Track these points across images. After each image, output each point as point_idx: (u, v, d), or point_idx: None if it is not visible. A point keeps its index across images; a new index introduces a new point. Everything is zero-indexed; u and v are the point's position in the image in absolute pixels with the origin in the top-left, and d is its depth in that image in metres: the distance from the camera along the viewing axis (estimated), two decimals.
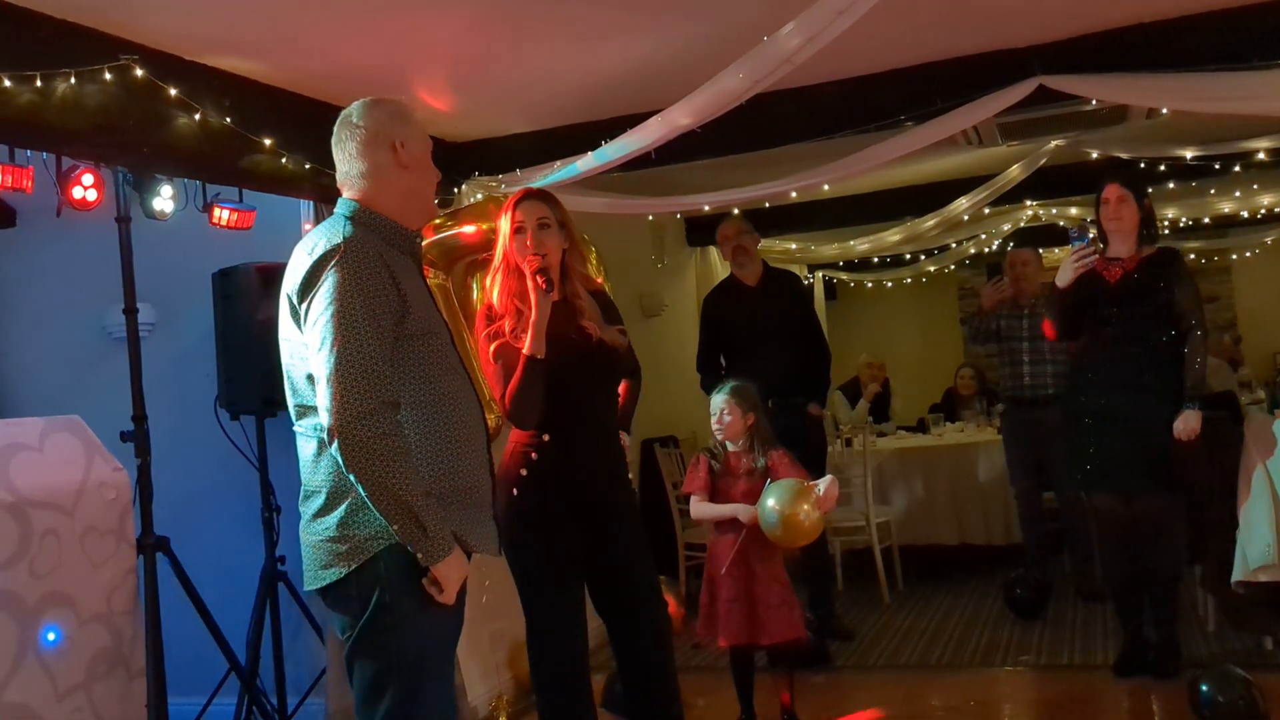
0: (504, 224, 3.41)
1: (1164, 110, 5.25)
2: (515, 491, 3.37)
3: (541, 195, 3.46)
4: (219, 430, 4.54)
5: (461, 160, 5.19)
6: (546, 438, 3.38)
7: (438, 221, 4.67)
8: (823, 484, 3.92)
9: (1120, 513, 4.55)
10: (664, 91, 4.25)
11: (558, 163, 4.78)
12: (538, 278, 3.26)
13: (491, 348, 3.36)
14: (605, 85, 4.67)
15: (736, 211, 6.18)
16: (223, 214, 4.46)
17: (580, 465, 3.41)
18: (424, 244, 2.86)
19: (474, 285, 5.05)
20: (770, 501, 3.88)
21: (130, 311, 4.19)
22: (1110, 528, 4.63)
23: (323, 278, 2.36)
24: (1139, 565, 4.55)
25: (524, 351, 3.27)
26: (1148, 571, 4.54)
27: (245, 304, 4.49)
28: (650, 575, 3.55)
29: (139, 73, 3.49)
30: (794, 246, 9.16)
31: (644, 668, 3.49)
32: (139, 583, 3.63)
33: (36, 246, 5.38)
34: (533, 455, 3.39)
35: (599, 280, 3.86)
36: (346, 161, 2.57)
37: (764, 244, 9.31)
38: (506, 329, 3.36)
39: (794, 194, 6.03)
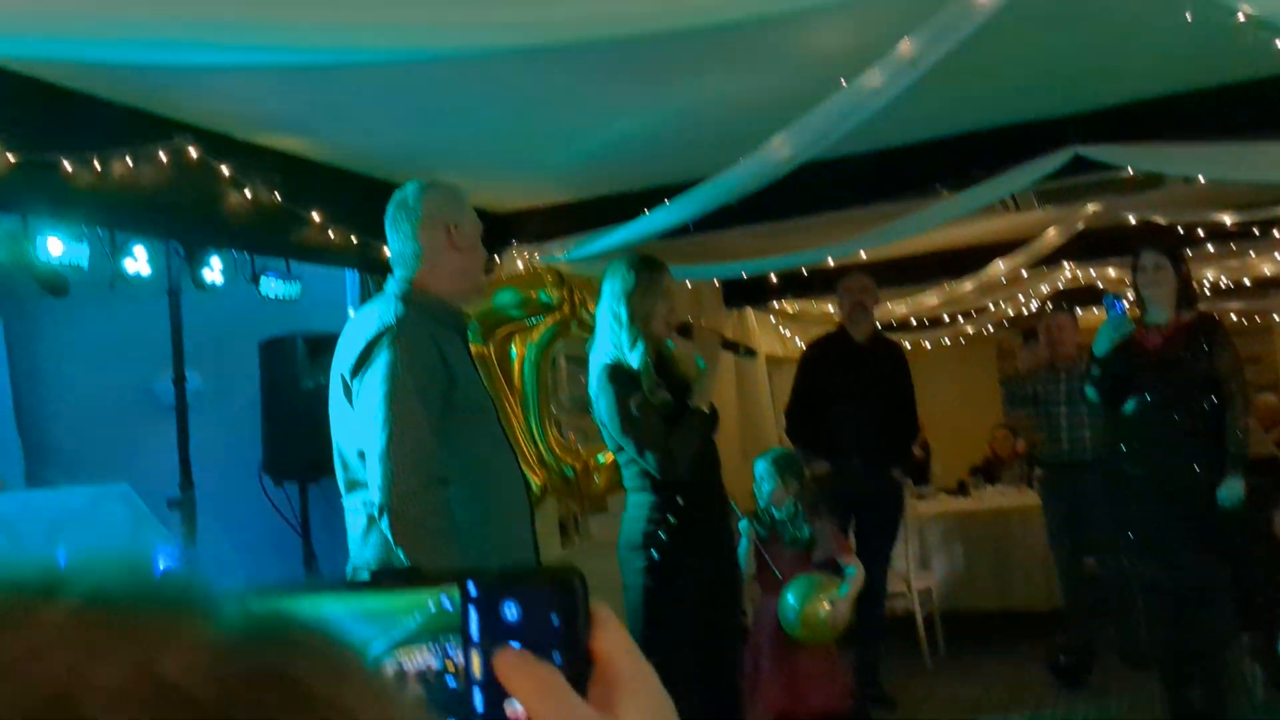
0: (651, 285, 3.52)
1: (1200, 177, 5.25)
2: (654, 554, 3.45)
3: None
4: (262, 495, 4.59)
5: (500, 230, 5.27)
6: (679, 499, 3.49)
7: None
8: (843, 588, 3.95)
9: (1165, 582, 4.49)
10: (701, 161, 4.31)
11: (596, 232, 4.84)
12: None
13: (633, 404, 3.41)
14: (642, 157, 4.74)
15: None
16: (271, 284, 4.55)
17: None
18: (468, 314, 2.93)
19: (511, 352, 5.11)
20: (789, 598, 3.90)
21: (179, 380, 4.28)
22: (1155, 597, 4.57)
23: (375, 356, 2.43)
24: (1185, 634, 4.49)
25: (704, 409, 3.48)
26: (1194, 641, 4.48)
27: (290, 371, 4.57)
28: None
29: (192, 152, 3.60)
30: (832, 309, 9.16)
31: None
32: None
33: (88, 315, 5.48)
34: (669, 518, 3.46)
35: None
36: (400, 241, 2.64)
37: (802, 308, 9.41)
38: (644, 385, 3.43)
39: (830, 260, 6.06)
